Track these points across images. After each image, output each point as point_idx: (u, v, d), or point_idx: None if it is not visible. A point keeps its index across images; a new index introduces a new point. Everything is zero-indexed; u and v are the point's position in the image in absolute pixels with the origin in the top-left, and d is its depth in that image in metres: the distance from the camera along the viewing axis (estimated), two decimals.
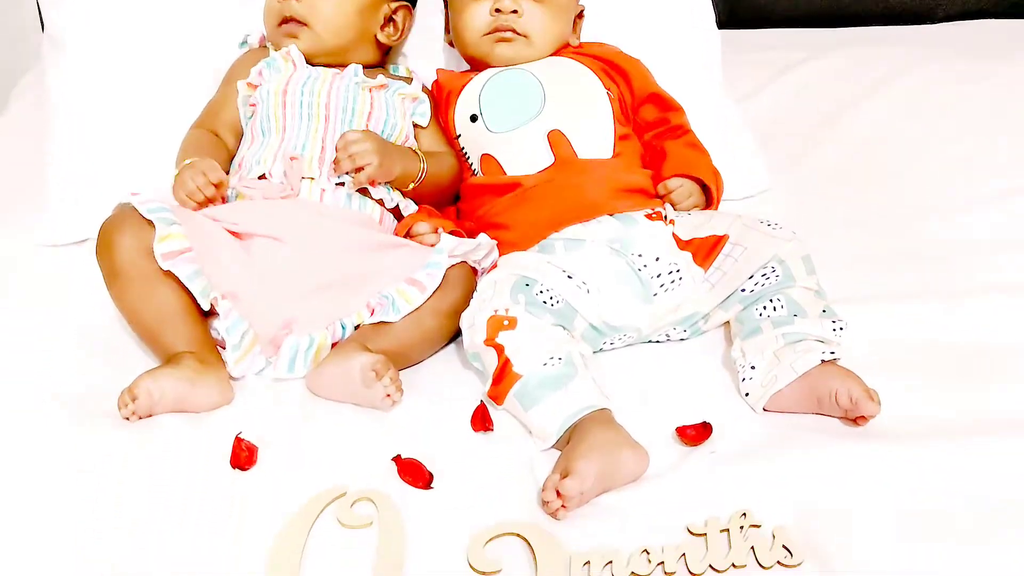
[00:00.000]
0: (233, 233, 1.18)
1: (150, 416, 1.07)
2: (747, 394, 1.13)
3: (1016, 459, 1.01)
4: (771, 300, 1.16)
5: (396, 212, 1.31)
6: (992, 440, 1.04)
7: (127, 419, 1.06)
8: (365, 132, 1.25)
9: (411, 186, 1.29)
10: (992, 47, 1.91)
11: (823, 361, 1.09)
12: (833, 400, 1.06)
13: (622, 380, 1.17)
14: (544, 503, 0.99)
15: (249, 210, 1.21)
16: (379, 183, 1.26)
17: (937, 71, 1.79)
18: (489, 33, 1.35)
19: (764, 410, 1.11)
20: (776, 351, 1.12)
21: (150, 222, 1.10)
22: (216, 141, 1.32)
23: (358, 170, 1.23)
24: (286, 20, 1.33)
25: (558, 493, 0.97)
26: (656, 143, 1.37)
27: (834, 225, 1.42)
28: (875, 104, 1.74)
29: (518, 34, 1.35)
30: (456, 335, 1.21)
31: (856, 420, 1.07)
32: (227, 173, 1.27)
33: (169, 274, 1.10)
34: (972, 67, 1.80)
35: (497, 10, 1.33)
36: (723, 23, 1.68)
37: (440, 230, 1.25)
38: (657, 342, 1.25)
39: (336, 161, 1.22)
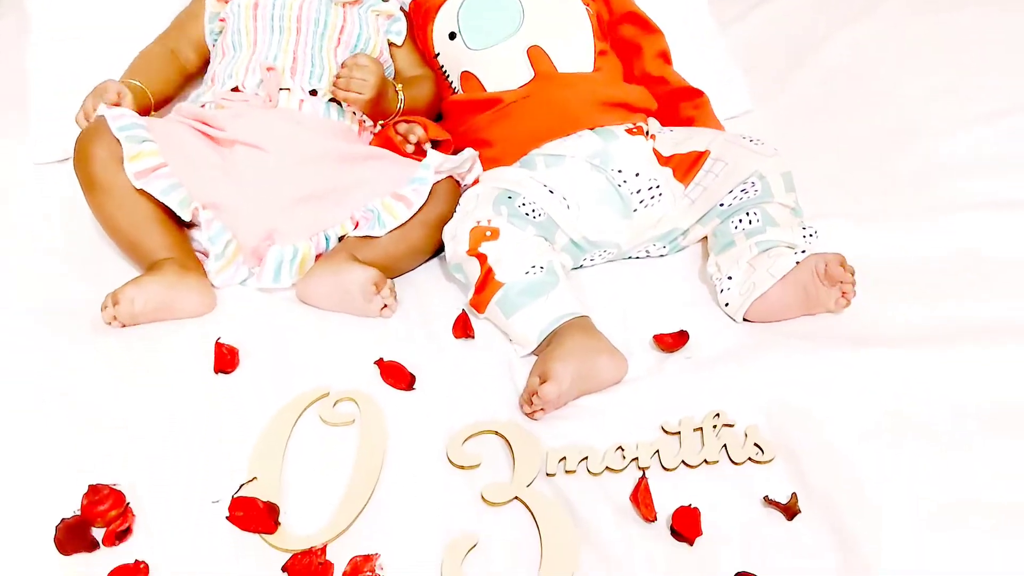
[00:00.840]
0: (214, 140, 1.18)
1: (135, 323, 1.08)
2: (727, 304, 1.15)
3: (992, 366, 1.03)
4: (747, 214, 1.17)
5: (368, 121, 1.31)
6: (969, 347, 1.05)
7: (109, 324, 1.07)
8: (374, 64, 1.22)
9: (379, 123, 1.30)
10: None
11: (798, 263, 1.11)
12: (816, 278, 1.09)
13: (602, 294, 1.19)
14: (523, 405, 1.01)
15: (229, 119, 1.20)
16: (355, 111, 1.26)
17: (900, 5, 1.80)
18: None
19: (745, 319, 1.13)
20: (751, 260, 1.14)
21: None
22: (168, 59, 1.32)
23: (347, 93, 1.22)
24: None
25: (536, 396, 0.99)
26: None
27: (816, 147, 1.43)
28: (857, 31, 1.73)
29: None
30: (440, 248, 1.22)
31: (843, 295, 1.09)
32: (179, 91, 1.30)
33: None
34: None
35: None
36: None
37: (428, 147, 1.25)
38: (636, 258, 1.27)
39: (337, 76, 1.21)
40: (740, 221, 1.17)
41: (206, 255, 1.16)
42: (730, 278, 1.15)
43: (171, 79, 1.30)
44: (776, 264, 1.12)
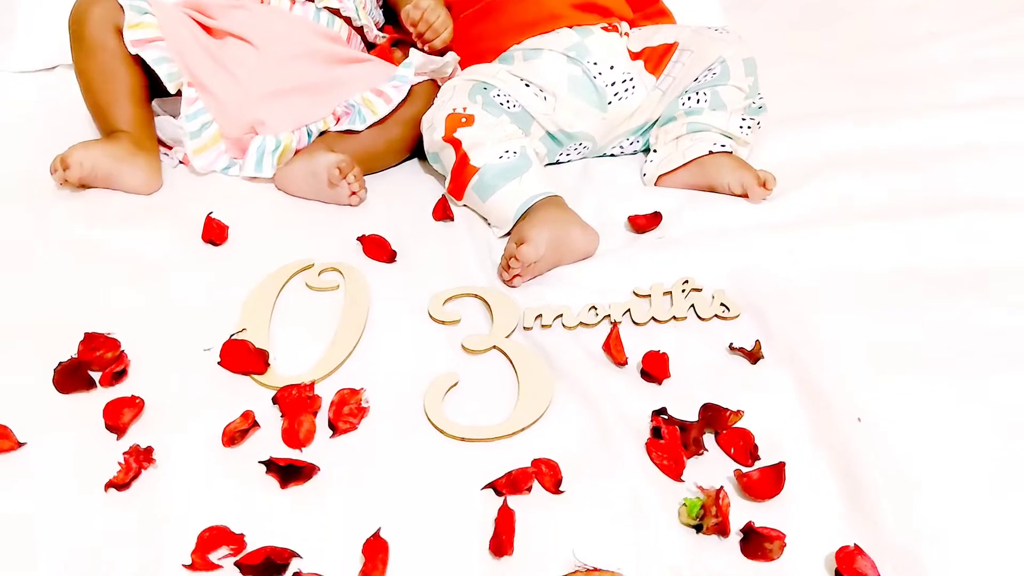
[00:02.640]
0: (206, 29, 1.22)
1: (83, 186, 1.13)
2: (644, 174, 1.24)
3: (935, 235, 1.09)
4: (696, 93, 1.23)
5: (361, 32, 1.35)
6: (916, 220, 1.12)
7: (61, 185, 1.12)
8: (436, 2, 1.27)
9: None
10: None
11: (711, 152, 1.19)
12: (727, 188, 1.18)
13: (578, 184, 1.24)
14: (501, 272, 1.05)
15: (224, 11, 1.24)
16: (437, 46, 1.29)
17: None
18: None
19: (655, 185, 1.23)
20: (678, 137, 1.22)
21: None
22: None
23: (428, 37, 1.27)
24: None
25: (514, 259, 1.03)
26: None
27: (785, 56, 1.49)
28: None
29: None
30: (420, 149, 1.26)
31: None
32: None
33: (127, 57, 1.15)
34: None
35: None
36: None
37: (410, 49, 1.29)
38: (612, 155, 1.32)
39: (416, 28, 1.25)
40: (689, 99, 1.24)
41: (169, 148, 1.21)
42: (655, 151, 1.23)
43: None
44: (692, 147, 1.20)
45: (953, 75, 1.46)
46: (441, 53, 1.29)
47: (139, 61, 1.16)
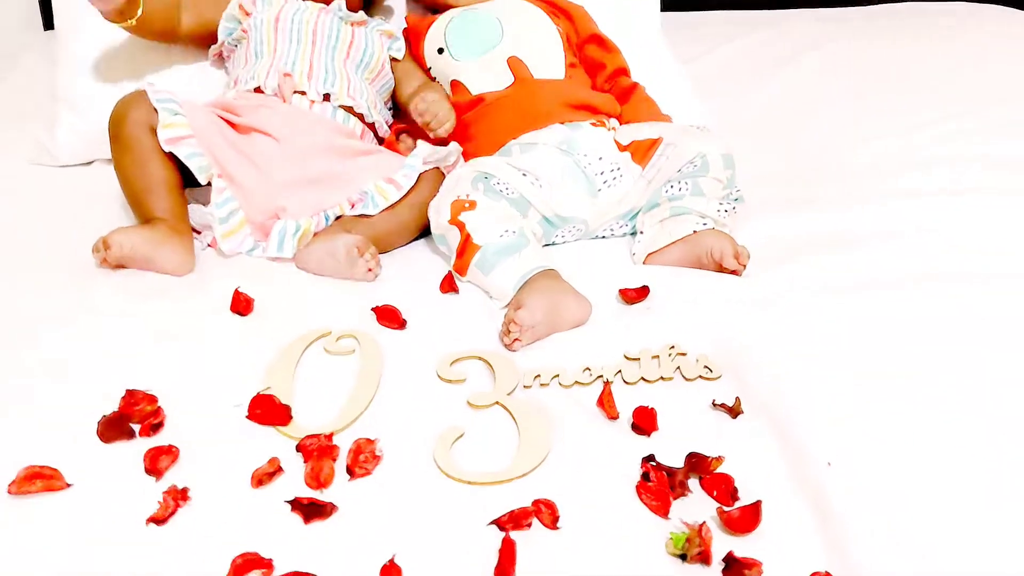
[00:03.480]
0: (233, 126, 1.35)
1: (121, 267, 1.23)
2: (634, 254, 1.35)
3: (895, 307, 1.19)
4: (679, 182, 1.35)
5: (372, 128, 1.49)
6: (881, 294, 1.23)
7: (100, 264, 1.22)
8: (441, 92, 1.43)
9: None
10: (904, 26, 2.18)
11: (695, 231, 1.31)
12: (709, 256, 1.29)
13: (572, 262, 1.34)
14: (502, 337, 1.15)
15: (249, 110, 1.37)
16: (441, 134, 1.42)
17: (846, 43, 2.07)
18: None
19: (644, 264, 1.34)
20: (663, 220, 1.34)
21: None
22: (170, 10, 1.46)
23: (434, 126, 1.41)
24: None
25: (513, 323, 1.13)
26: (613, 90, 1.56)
27: (755, 151, 1.62)
28: (798, 67, 1.98)
29: None
30: (427, 229, 1.37)
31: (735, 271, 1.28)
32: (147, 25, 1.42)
33: (161, 152, 1.27)
34: (881, 39, 2.10)
35: None
36: (666, 6, 1.89)
37: (418, 141, 1.42)
38: (603, 237, 1.43)
39: (423, 119, 1.39)
40: (672, 188, 1.36)
41: (199, 232, 1.32)
42: (642, 233, 1.35)
43: (160, 20, 1.45)
44: (678, 227, 1.31)
45: (910, 168, 1.58)
46: (444, 143, 1.42)
47: (172, 156, 1.28)
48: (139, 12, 1.39)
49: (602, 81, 1.58)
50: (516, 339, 1.14)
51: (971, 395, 1.04)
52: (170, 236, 1.25)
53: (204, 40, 1.53)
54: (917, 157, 1.60)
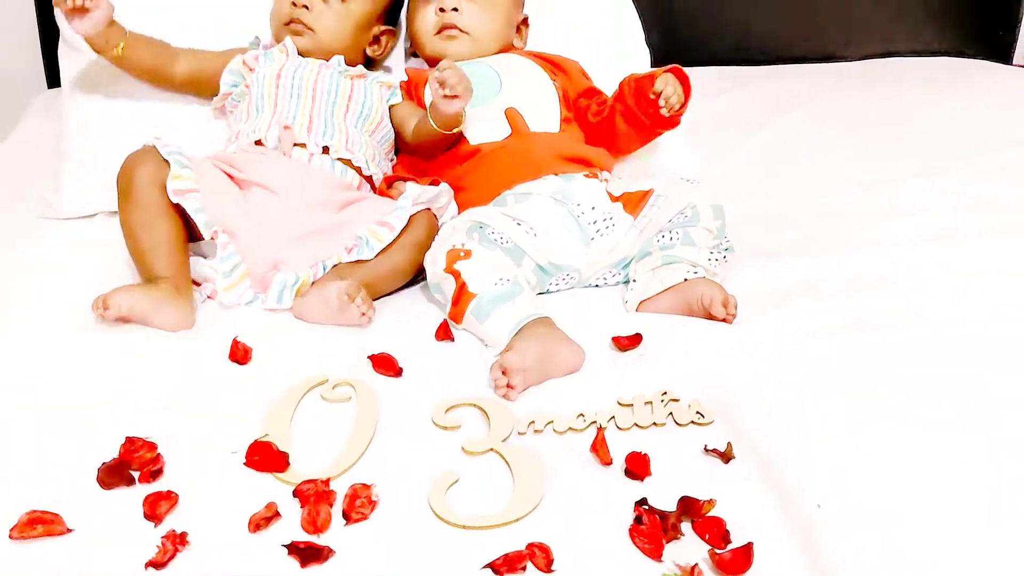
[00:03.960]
0: (234, 180, 1.38)
1: (118, 324, 1.25)
2: (626, 301, 1.38)
3: (879, 349, 1.22)
4: (670, 232, 1.38)
5: (370, 180, 1.52)
6: (865, 335, 1.26)
7: (99, 319, 1.24)
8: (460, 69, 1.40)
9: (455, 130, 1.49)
10: (891, 78, 2.24)
11: (686, 279, 1.34)
12: (700, 303, 1.31)
13: (566, 311, 1.36)
14: (494, 380, 1.17)
15: (250, 164, 1.41)
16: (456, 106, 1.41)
17: (835, 96, 2.14)
18: (438, 32, 1.60)
19: (636, 311, 1.36)
20: (655, 268, 1.36)
21: (167, 162, 1.30)
22: (166, 51, 1.53)
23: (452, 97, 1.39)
24: (294, 21, 1.56)
25: (503, 370, 1.15)
26: (601, 113, 1.58)
27: (745, 197, 1.65)
28: (788, 118, 2.04)
29: (461, 31, 1.59)
30: (421, 273, 1.40)
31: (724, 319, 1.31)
32: (141, 66, 1.51)
33: (171, 208, 1.31)
34: (869, 91, 2.17)
35: (440, 9, 1.58)
36: (657, 63, 1.91)
37: (407, 183, 1.45)
38: (596, 286, 1.46)
39: (442, 85, 1.38)
40: (663, 237, 1.39)
41: (198, 284, 1.35)
42: (635, 281, 1.38)
43: (151, 56, 1.52)
44: (669, 276, 1.34)
45: (892, 215, 1.62)
46: (435, 183, 1.45)
47: (178, 211, 1.31)
48: (120, 46, 1.44)
49: (593, 112, 1.60)
50: (508, 386, 1.16)
51: (959, 435, 1.06)
52: (172, 296, 1.27)
53: (198, 88, 1.58)
54: (903, 203, 1.64)
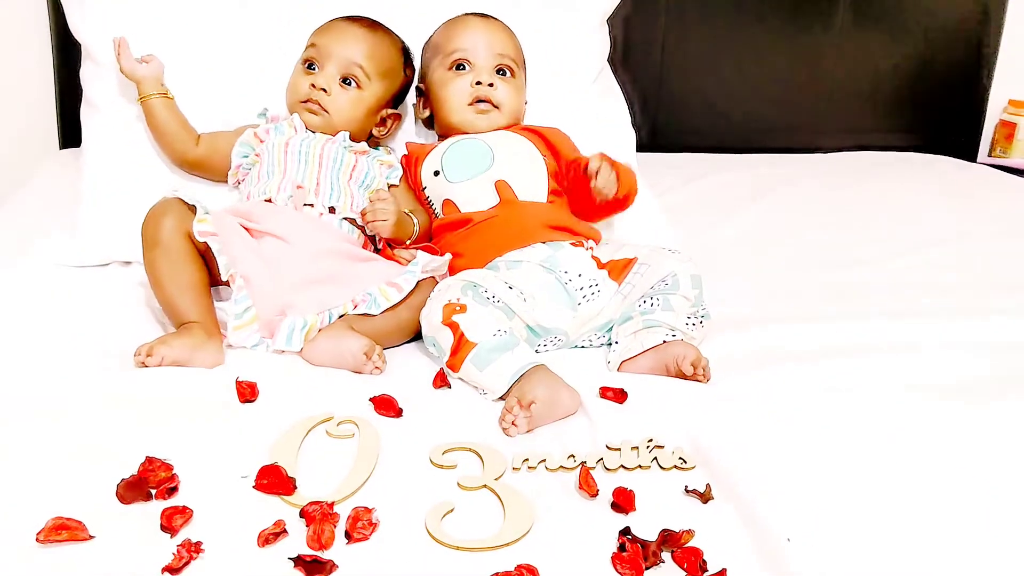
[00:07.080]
0: (248, 231, 1.47)
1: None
2: (608, 361, 1.46)
3: (853, 411, 1.30)
4: (651, 298, 1.48)
5: (372, 240, 1.62)
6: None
7: (138, 367, 1.32)
8: (392, 198, 1.57)
9: (408, 242, 1.63)
10: (862, 169, 2.39)
11: (665, 341, 1.42)
12: (675, 364, 1.40)
13: (552, 367, 1.44)
14: (507, 410, 1.26)
15: (263, 216, 1.51)
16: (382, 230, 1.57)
17: (810, 184, 2.30)
18: (471, 104, 1.71)
19: (618, 371, 1.44)
20: (635, 332, 1.46)
21: (191, 208, 1.42)
22: (186, 128, 1.68)
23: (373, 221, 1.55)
24: (311, 101, 1.67)
25: (519, 401, 1.25)
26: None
27: (726, 273, 1.76)
28: (768, 202, 2.17)
29: (493, 105, 1.71)
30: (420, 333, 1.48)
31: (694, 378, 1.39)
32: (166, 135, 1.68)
33: (196, 254, 1.41)
34: (841, 180, 2.34)
35: (478, 83, 1.70)
36: (643, 147, 2.04)
37: (417, 252, 1.56)
38: (582, 347, 1.54)
39: (364, 211, 1.55)
40: (644, 303, 1.48)
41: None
42: (616, 343, 1.47)
43: (176, 123, 1.67)
44: (649, 338, 1.43)
45: (875, 291, 1.73)
46: (439, 254, 1.56)
47: (200, 258, 1.41)
48: (166, 91, 1.67)
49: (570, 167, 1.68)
50: (514, 423, 1.24)
51: (919, 478, 1.14)
52: (205, 340, 1.36)
53: (207, 167, 1.70)
54: (871, 281, 1.76)
